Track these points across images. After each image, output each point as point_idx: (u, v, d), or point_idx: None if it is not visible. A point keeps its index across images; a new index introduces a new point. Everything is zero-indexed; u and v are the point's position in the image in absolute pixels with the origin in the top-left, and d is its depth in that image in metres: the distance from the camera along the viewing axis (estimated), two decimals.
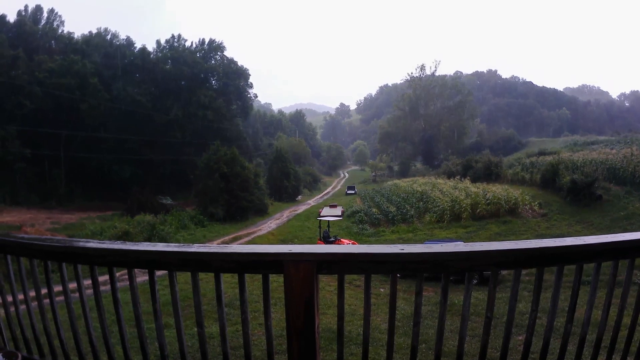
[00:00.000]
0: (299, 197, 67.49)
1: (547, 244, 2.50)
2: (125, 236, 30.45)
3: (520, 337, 2.78)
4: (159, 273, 2.69)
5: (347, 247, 2.83)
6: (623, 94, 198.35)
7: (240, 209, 45.13)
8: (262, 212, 48.85)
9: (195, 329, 2.71)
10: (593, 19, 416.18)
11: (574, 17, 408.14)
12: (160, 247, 2.71)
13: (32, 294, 3.10)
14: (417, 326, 2.54)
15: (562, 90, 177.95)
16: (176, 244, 2.77)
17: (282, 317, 2.41)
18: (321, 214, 33.90)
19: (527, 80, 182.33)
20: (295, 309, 2.36)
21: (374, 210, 42.50)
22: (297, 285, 2.33)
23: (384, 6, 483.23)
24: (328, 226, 31.56)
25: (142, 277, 2.90)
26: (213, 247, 2.68)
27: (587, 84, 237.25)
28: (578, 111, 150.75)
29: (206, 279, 2.92)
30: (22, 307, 3.19)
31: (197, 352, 2.86)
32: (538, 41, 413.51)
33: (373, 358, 8.24)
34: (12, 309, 3.24)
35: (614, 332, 2.78)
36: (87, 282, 2.87)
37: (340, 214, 35.57)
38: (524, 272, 2.53)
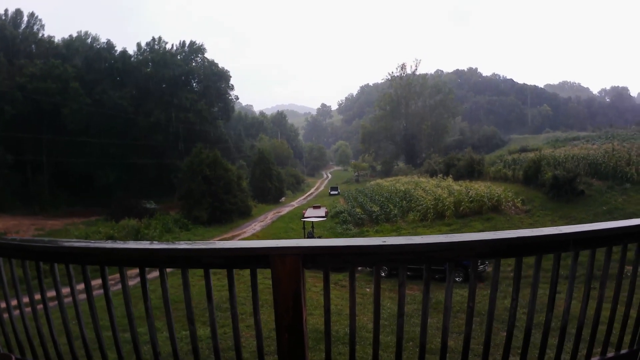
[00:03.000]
0: (283, 198, 67.48)
1: (525, 233, 2.58)
2: None
3: (503, 333, 2.85)
4: (149, 276, 2.73)
5: (331, 240, 2.90)
6: (604, 90, 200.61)
7: (224, 211, 45.11)
8: (246, 214, 48.77)
9: (187, 328, 2.76)
10: (573, 15, 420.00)
11: (554, 14, 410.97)
12: (149, 244, 2.76)
13: (25, 298, 3.12)
14: (401, 318, 2.60)
15: (542, 87, 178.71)
16: (165, 242, 2.83)
17: (273, 317, 2.46)
18: (305, 215, 33.74)
19: (508, 77, 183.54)
20: (283, 303, 2.41)
21: (357, 210, 42.30)
22: (284, 278, 2.39)
23: (363, 5, 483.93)
24: (312, 227, 31.61)
25: (133, 280, 2.93)
26: (201, 244, 2.73)
27: (568, 81, 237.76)
28: (559, 108, 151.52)
29: (196, 278, 2.96)
30: (16, 312, 3.21)
31: (189, 350, 2.89)
32: (518, 38, 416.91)
33: (361, 357, 8.26)
34: (5, 313, 3.25)
35: (594, 322, 2.86)
36: (80, 286, 2.90)
37: (324, 214, 35.43)
38: (508, 268, 2.61)
